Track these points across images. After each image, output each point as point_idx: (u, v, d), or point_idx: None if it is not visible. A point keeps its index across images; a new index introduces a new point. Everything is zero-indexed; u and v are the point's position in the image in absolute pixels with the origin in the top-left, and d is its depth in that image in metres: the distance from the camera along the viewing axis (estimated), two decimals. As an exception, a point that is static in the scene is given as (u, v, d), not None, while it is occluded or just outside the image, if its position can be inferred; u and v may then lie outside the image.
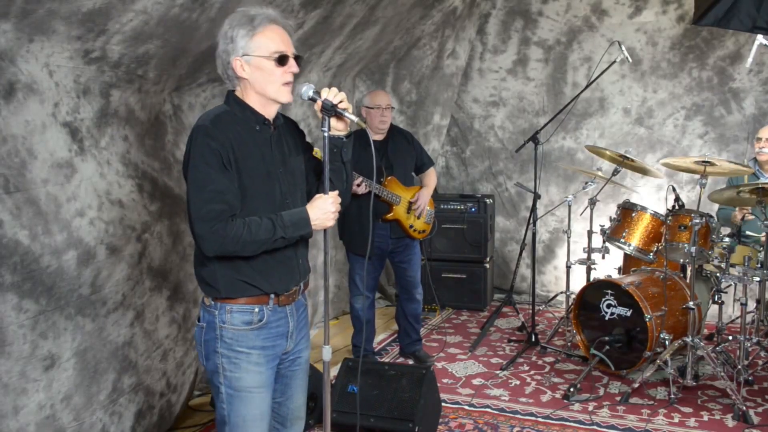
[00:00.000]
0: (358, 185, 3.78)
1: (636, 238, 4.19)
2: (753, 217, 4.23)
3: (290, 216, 2.03)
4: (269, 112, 2.10)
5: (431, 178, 4.35)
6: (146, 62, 2.82)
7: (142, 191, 2.97)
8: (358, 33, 4.47)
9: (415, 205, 4.15)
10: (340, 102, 2.02)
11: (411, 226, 4.17)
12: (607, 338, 3.99)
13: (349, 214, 3.98)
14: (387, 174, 4.08)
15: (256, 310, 2.07)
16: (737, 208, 4.28)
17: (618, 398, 3.75)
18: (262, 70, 2.01)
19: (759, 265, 3.81)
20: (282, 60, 2.01)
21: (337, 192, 2.08)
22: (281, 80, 2.03)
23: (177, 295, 3.21)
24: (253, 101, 2.07)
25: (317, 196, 2.07)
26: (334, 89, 2.03)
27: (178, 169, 3.26)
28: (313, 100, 2.04)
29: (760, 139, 4.40)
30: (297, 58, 2.06)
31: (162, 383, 3.14)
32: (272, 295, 2.09)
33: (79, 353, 2.61)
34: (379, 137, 4.13)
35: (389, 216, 4.07)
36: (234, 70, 2.03)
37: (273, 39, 2.01)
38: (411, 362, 4.36)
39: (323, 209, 2.05)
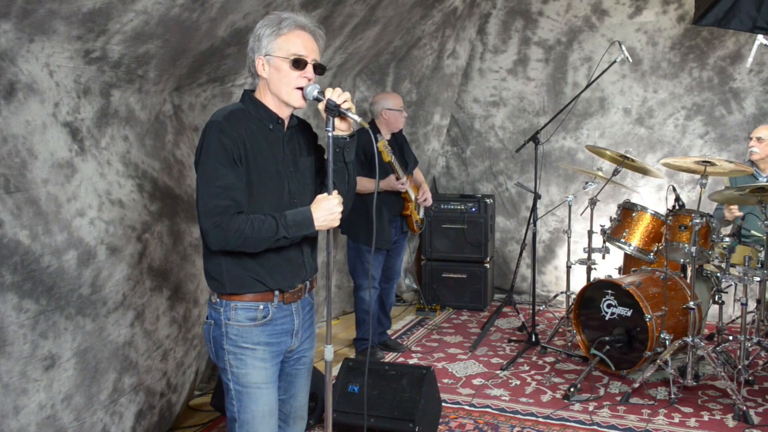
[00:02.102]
0: (403, 183, 4.13)
1: (636, 238, 4.19)
2: (741, 213, 4.23)
3: (294, 215, 2.04)
4: (283, 113, 2.13)
5: (421, 175, 4.69)
6: (146, 62, 2.82)
7: (142, 191, 2.96)
8: (359, 33, 4.47)
9: (421, 198, 4.44)
10: (344, 102, 2.03)
11: (416, 222, 4.47)
12: (607, 338, 3.99)
13: (369, 211, 4.04)
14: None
15: (261, 307, 2.09)
16: (725, 207, 4.30)
17: (618, 398, 3.75)
18: (279, 71, 2.05)
19: (759, 265, 3.81)
20: (298, 63, 2.04)
21: (336, 192, 2.09)
22: (295, 84, 2.06)
23: (177, 295, 3.21)
24: (269, 101, 2.11)
25: (321, 196, 2.08)
26: (338, 89, 2.04)
27: (179, 169, 3.26)
28: (317, 100, 2.05)
29: (750, 138, 4.42)
30: (318, 67, 2.09)
31: (162, 383, 3.14)
32: (277, 292, 2.11)
33: (80, 353, 2.61)
34: (388, 137, 4.33)
35: (407, 212, 4.35)
36: (255, 68, 2.08)
37: (295, 43, 2.04)
38: (406, 360, 4.36)
39: (329, 209, 2.05)
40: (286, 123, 2.14)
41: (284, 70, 2.05)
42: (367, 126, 2.10)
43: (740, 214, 4.24)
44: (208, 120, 2.05)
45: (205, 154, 2.00)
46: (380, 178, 3.95)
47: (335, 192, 2.07)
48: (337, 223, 2.08)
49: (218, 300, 2.11)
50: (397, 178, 4.09)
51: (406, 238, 4.66)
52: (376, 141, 3.62)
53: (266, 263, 2.07)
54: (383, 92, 4.96)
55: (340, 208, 2.06)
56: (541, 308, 5.58)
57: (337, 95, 2.02)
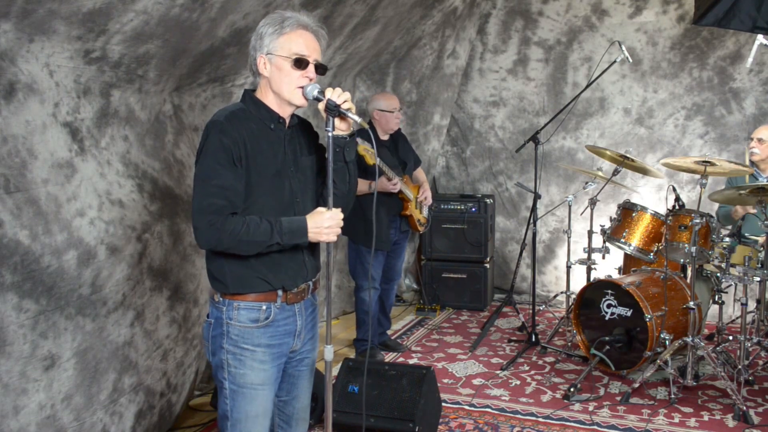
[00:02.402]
0: (395, 185, 4.07)
1: (636, 238, 4.19)
2: (755, 211, 4.22)
3: (289, 223, 2.04)
4: (284, 112, 2.13)
5: (423, 174, 4.66)
6: (146, 62, 2.82)
7: (142, 191, 2.96)
8: (359, 33, 4.47)
9: (422, 197, 4.42)
10: (344, 102, 2.03)
11: (419, 221, 4.45)
12: (607, 338, 3.99)
13: (370, 212, 4.07)
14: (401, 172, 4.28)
15: (264, 307, 2.09)
16: (735, 207, 4.29)
17: (618, 398, 3.75)
18: (281, 70, 2.05)
19: (759, 265, 3.80)
20: (300, 63, 2.04)
21: (340, 209, 2.08)
22: (296, 83, 2.06)
23: (177, 295, 3.21)
24: (270, 100, 2.11)
25: (319, 209, 2.08)
26: (338, 89, 2.04)
27: (179, 169, 3.26)
28: (317, 99, 2.05)
29: (751, 139, 4.42)
30: (320, 67, 2.09)
31: (162, 383, 3.14)
32: (280, 292, 2.11)
33: (80, 353, 2.61)
34: (386, 137, 4.32)
35: (407, 212, 4.31)
36: (257, 66, 2.08)
37: (297, 42, 2.05)
38: (406, 360, 4.36)
39: (317, 223, 2.05)
40: (287, 122, 2.15)
41: (286, 69, 2.04)
42: (366, 126, 2.11)
43: (753, 211, 4.22)
44: (209, 120, 2.05)
45: (205, 154, 2.01)
46: (372, 180, 3.92)
47: (337, 210, 2.06)
48: (324, 238, 2.06)
49: (221, 299, 2.10)
50: (388, 179, 4.05)
51: (407, 239, 4.63)
52: (357, 144, 3.61)
53: (269, 261, 2.07)
54: (380, 92, 4.97)
55: (328, 224, 2.04)
56: (541, 308, 5.58)
57: (337, 95, 2.02)
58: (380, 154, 4.12)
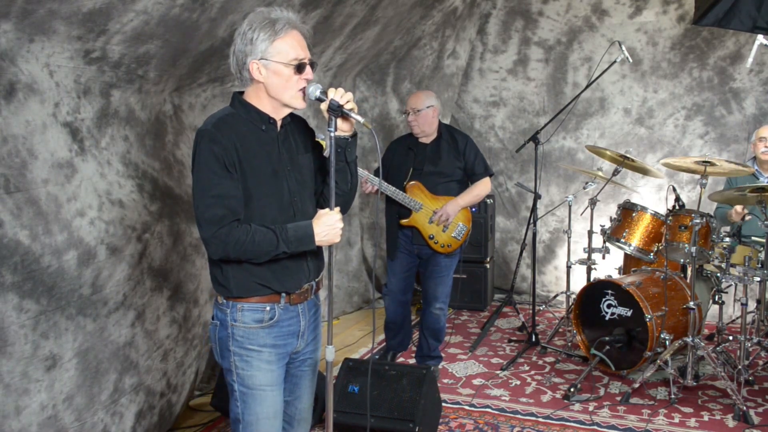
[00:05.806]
0: (365, 182, 3.69)
1: (636, 238, 4.19)
2: (751, 217, 4.22)
3: (295, 230, 2.03)
4: (279, 114, 2.11)
5: (474, 188, 3.92)
6: (146, 62, 2.82)
7: (142, 191, 2.96)
8: (359, 33, 4.47)
9: (435, 215, 3.83)
10: (347, 102, 2.02)
11: (431, 237, 3.86)
12: (607, 338, 3.99)
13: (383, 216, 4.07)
14: (413, 178, 3.88)
15: (267, 308, 2.09)
16: (734, 208, 4.28)
17: (618, 398, 3.75)
18: (280, 76, 2.02)
19: (759, 265, 3.81)
20: (300, 68, 2.03)
21: (338, 209, 2.08)
22: (297, 87, 2.04)
23: (177, 295, 3.21)
24: (265, 104, 2.07)
25: (322, 211, 2.08)
26: (341, 90, 2.03)
27: (179, 169, 3.26)
28: (320, 100, 2.04)
29: (763, 138, 4.38)
30: (312, 64, 2.08)
31: (162, 383, 3.14)
32: (283, 294, 2.11)
33: (81, 353, 2.61)
34: (425, 139, 3.92)
35: (405, 221, 3.88)
36: (250, 72, 2.02)
37: (293, 46, 2.02)
38: (411, 362, 4.36)
39: (330, 224, 2.04)
40: (279, 122, 2.12)
41: (285, 75, 2.02)
42: (369, 127, 2.10)
43: (747, 214, 4.20)
44: (198, 128, 2.03)
45: (198, 164, 1.99)
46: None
47: (337, 208, 2.07)
48: (338, 239, 2.07)
49: (224, 301, 2.10)
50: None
51: (438, 258, 3.94)
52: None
53: (273, 266, 2.07)
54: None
55: (341, 224, 2.06)
56: (541, 308, 5.58)
57: (340, 95, 2.02)
58: (390, 157, 3.95)
